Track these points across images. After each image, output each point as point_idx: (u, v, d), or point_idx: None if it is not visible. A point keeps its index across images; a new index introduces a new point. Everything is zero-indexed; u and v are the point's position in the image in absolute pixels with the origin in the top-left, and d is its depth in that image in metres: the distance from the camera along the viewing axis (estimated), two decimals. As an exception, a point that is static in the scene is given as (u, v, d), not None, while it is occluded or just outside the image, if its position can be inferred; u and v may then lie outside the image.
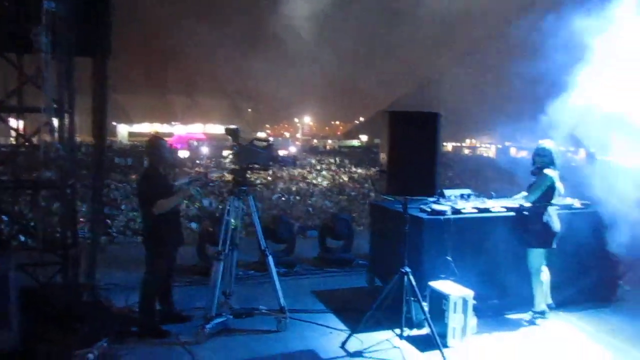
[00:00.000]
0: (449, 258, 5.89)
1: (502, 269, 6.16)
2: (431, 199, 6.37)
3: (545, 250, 6.11)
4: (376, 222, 7.08)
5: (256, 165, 5.86)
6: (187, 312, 6.12)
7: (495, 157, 45.15)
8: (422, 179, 5.17)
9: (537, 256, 6.09)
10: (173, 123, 74.87)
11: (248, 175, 5.92)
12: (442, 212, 6.03)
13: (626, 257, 7.28)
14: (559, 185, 6.10)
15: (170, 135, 49.03)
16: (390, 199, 6.04)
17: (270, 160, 5.91)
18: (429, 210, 6.14)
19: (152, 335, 5.54)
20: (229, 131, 5.76)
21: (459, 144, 68.68)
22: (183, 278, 7.40)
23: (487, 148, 60.79)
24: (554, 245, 6.07)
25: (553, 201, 6.05)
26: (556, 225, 6.03)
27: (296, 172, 24.34)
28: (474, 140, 68.85)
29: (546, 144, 6.08)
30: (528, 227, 6.05)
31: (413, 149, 5.14)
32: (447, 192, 6.61)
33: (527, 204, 6.11)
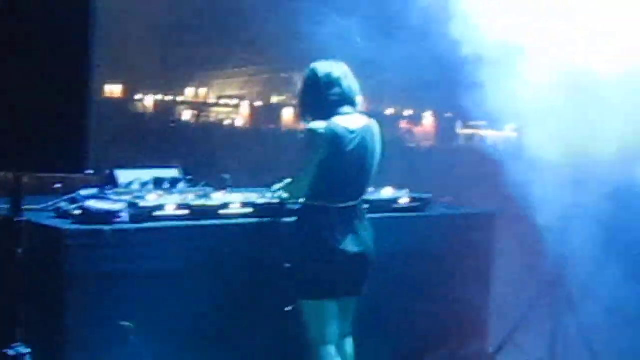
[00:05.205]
0: (126, 323, 2.72)
1: (255, 343, 3.03)
2: (88, 191, 3.00)
3: (334, 303, 2.90)
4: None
5: None
6: None
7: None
8: (55, 136, 2.21)
9: (313, 316, 2.86)
10: None
11: None
12: (109, 217, 2.73)
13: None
14: (345, 147, 2.79)
15: None
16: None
17: None
18: (76, 213, 2.83)
19: None
20: None
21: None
22: None
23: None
24: (346, 293, 2.91)
25: (337, 191, 2.84)
26: (343, 241, 2.80)
27: None
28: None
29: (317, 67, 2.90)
30: (285, 250, 2.99)
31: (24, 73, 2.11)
32: (121, 173, 3.24)
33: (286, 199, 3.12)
